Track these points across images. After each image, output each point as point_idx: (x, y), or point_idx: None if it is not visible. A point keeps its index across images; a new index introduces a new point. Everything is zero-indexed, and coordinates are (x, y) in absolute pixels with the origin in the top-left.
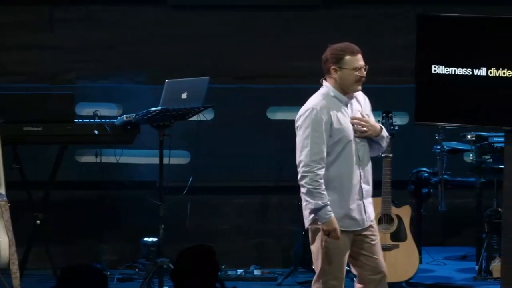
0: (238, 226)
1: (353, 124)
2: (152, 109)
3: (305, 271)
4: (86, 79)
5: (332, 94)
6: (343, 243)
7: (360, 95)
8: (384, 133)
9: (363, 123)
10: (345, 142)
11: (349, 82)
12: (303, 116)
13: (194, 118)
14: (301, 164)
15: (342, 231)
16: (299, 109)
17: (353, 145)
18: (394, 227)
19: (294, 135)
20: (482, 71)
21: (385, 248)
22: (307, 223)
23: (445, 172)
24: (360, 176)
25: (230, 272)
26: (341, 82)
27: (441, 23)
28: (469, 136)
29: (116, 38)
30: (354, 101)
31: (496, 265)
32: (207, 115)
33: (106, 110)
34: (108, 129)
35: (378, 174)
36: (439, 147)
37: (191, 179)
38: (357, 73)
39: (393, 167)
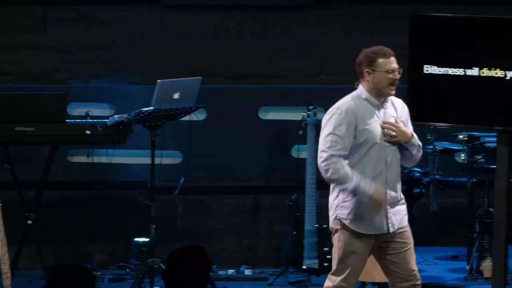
0: (229, 226)
1: (383, 128)
2: (144, 109)
3: (296, 271)
4: (78, 79)
5: (363, 96)
6: (359, 247)
7: (398, 102)
8: (416, 141)
9: (393, 127)
10: (370, 145)
11: (382, 84)
12: (328, 115)
13: (186, 118)
14: (321, 160)
15: (359, 234)
16: (290, 109)
17: (381, 149)
18: None
19: (285, 135)
20: (474, 71)
21: None
22: (330, 223)
23: (436, 172)
24: (386, 181)
25: (221, 272)
26: (374, 84)
27: (433, 23)
28: (461, 136)
29: (108, 38)
30: (389, 106)
31: (487, 265)
32: (199, 115)
33: (99, 110)
34: (100, 129)
35: None
36: (431, 147)
37: (182, 179)
38: (390, 75)
39: None
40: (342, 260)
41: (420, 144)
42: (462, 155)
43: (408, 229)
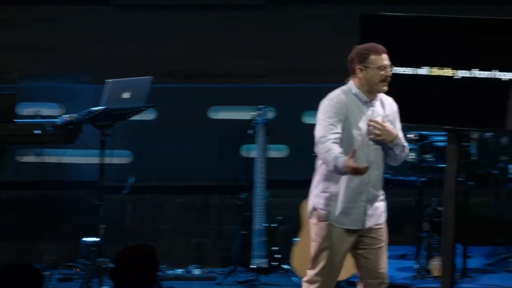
0: (178, 225)
1: (369, 126)
2: (94, 108)
3: (245, 270)
4: (29, 79)
5: (353, 91)
6: (335, 241)
7: (388, 100)
8: (400, 141)
9: (378, 126)
10: (354, 140)
11: (374, 81)
12: (321, 106)
13: (136, 117)
14: (315, 144)
15: (336, 228)
16: (240, 108)
17: (364, 147)
18: None
19: (235, 135)
20: (424, 71)
21: None
22: (308, 213)
23: (386, 171)
24: (369, 179)
25: (169, 272)
26: (366, 81)
27: (383, 22)
28: (410, 135)
29: (59, 38)
30: (378, 104)
31: (435, 264)
32: (149, 115)
33: (49, 110)
34: (49, 128)
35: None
36: None
37: (132, 178)
38: (382, 72)
39: None
40: (316, 254)
41: (406, 144)
42: (412, 154)
43: (384, 227)
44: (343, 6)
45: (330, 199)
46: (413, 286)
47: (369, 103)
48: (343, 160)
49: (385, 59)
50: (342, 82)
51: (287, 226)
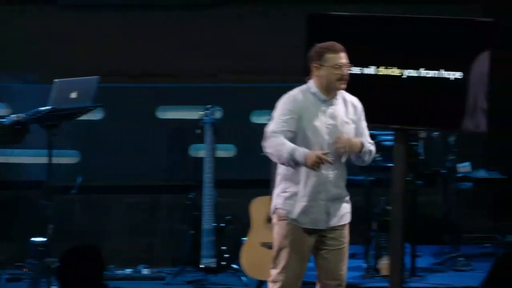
0: (127, 225)
1: (333, 144)
2: (41, 108)
3: (194, 270)
4: None
5: (312, 91)
6: (296, 240)
7: (351, 100)
8: (367, 148)
9: (340, 142)
10: (313, 140)
11: (330, 79)
12: (278, 103)
13: (84, 117)
14: (265, 139)
15: (296, 227)
16: (188, 108)
17: (324, 146)
18: None
19: (183, 134)
20: (371, 70)
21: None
22: (271, 213)
23: None
24: (328, 177)
25: (118, 272)
26: (323, 79)
27: (331, 22)
28: None
29: (5, 38)
30: (339, 103)
31: (384, 263)
32: (96, 115)
33: None
34: None
35: (267, 172)
36: None
37: (80, 178)
38: (337, 71)
39: None
40: (277, 253)
41: (372, 148)
42: None
43: (347, 229)
44: (291, 6)
45: (290, 199)
46: (362, 285)
47: (328, 101)
48: (302, 151)
49: (341, 58)
50: (290, 82)
51: (236, 226)
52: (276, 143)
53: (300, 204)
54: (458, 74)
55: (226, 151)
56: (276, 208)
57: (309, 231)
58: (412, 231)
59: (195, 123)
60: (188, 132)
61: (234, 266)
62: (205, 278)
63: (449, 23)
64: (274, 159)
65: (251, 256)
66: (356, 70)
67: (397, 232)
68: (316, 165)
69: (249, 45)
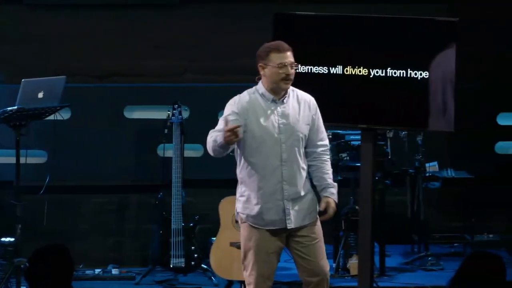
0: (96, 225)
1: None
2: (9, 108)
3: (163, 270)
4: None
5: (260, 91)
6: (259, 241)
7: (305, 98)
8: (335, 189)
9: (330, 216)
10: (262, 140)
11: (274, 79)
12: (227, 104)
13: (51, 117)
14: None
15: (257, 228)
16: (155, 108)
17: (275, 145)
18: None
19: (151, 134)
20: (338, 70)
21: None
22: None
23: None
24: (282, 176)
25: (88, 272)
26: (267, 79)
27: (297, 21)
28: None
29: None
30: (291, 101)
31: (353, 263)
32: (63, 115)
33: None
34: None
35: (235, 172)
36: None
37: (48, 178)
38: (281, 70)
39: None
40: (244, 255)
41: (335, 185)
42: None
43: (316, 224)
44: (259, 5)
45: (246, 202)
46: (332, 285)
47: (278, 101)
48: (220, 135)
49: (285, 57)
50: (256, 82)
51: (204, 226)
52: (209, 137)
53: (255, 207)
54: (424, 74)
55: (194, 151)
56: (237, 212)
57: (272, 232)
58: (380, 231)
59: (163, 123)
60: (156, 131)
61: (204, 266)
62: (174, 278)
63: (415, 23)
64: (213, 154)
65: (220, 256)
66: (323, 70)
67: (366, 232)
68: (229, 138)
69: (216, 45)
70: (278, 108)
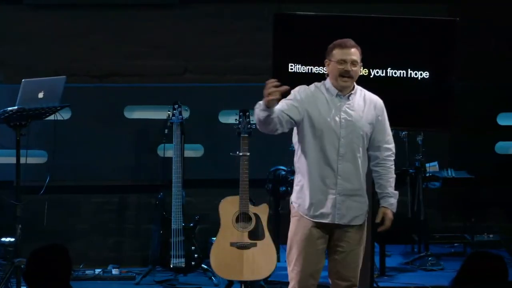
0: (96, 225)
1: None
2: (9, 108)
3: (163, 270)
4: None
5: (326, 86)
6: (306, 235)
7: (371, 100)
8: (395, 199)
9: (386, 227)
10: (322, 132)
11: (334, 75)
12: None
13: (51, 117)
14: None
15: (307, 221)
16: (156, 108)
17: (334, 139)
18: (252, 225)
19: (151, 134)
20: None
21: (243, 247)
22: None
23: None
24: (337, 171)
25: (88, 272)
26: (330, 74)
27: (297, 21)
28: None
29: None
30: (357, 99)
31: None
32: (64, 115)
33: None
34: None
35: (235, 172)
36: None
37: (48, 178)
38: (340, 66)
39: (251, 166)
40: (289, 249)
41: (395, 194)
42: None
43: (362, 229)
44: (259, 5)
45: (300, 192)
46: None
47: (343, 96)
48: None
49: (346, 54)
50: (258, 82)
51: (204, 226)
52: (255, 110)
53: (309, 197)
54: (424, 74)
55: (194, 151)
56: (291, 203)
57: (320, 226)
58: (381, 231)
59: (163, 123)
60: (156, 131)
61: (204, 266)
62: (174, 278)
63: (415, 23)
64: (258, 126)
65: (220, 256)
66: (323, 70)
67: (366, 232)
68: (269, 96)
69: (216, 45)
70: (342, 103)
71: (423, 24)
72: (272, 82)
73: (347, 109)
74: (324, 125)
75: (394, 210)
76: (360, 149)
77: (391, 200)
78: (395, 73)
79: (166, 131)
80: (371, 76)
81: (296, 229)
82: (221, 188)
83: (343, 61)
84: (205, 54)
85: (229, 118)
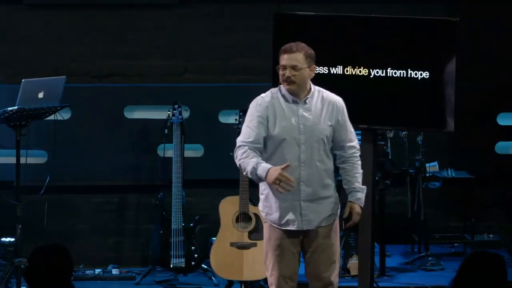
0: (96, 225)
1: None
2: (9, 108)
3: (163, 270)
4: None
5: (282, 92)
6: (278, 242)
7: (331, 98)
8: (362, 194)
9: (354, 221)
10: (281, 140)
11: (280, 80)
12: (249, 107)
13: (51, 117)
14: (235, 150)
15: (277, 229)
16: (155, 108)
17: (294, 146)
18: (252, 225)
19: (151, 134)
20: (338, 70)
21: (243, 247)
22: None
23: None
24: (300, 177)
25: (88, 272)
26: None
27: (297, 21)
28: None
29: None
30: (314, 101)
31: (353, 263)
32: (64, 115)
33: None
34: None
35: (235, 172)
36: None
37: (48, 178)
38: (281, 72)
39: None
40: (265, 255)
41: (363, 188)
42: None
43: (333, 229)
44: (259, 5)
45: (265, 200)
46: None
47: (299, 101)
48: (264, 167)
49: (286, 59)
50: (258, 82)
51: (204, 226)
52: (242, 155)
53: (274, 206)
54: (424, 74)
55: (194, 151)
56: (260, 211)
57: (289, 233)
58: (381, 231)
59: (163, 123)
60: (156, 132)
61: (204, 266)
62: (174, 278)
63: (415, 23)
64: (242, 171)
65: (220, 256)
66: (323, 70)
67: (366, 232)
68: (276, 182)
69: (216, 45)
70: (300, 108)
71: (423, 24)
72: (290, 181)
73: (304, 114)
74: (284, 133)
75: (362, 205)
76: (321, 152)
77: (358, 195)
78: (395, 73)
79: (166, 131)
80: (371, 76)
81: (269, 236)
82: (221, 188)
83: (283, 67)
84: (205, 54)
85: (229, 118)
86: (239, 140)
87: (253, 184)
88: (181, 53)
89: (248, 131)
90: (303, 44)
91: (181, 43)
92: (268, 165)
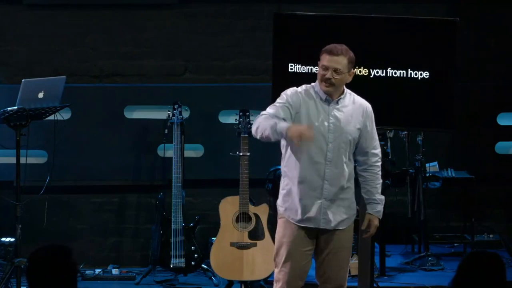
0: (96, 225)
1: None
2: (9, 108)
3: (163, 269)
4: None
5: (316, 89)
6: (293, 238)
7: (360, 103)
8: (381, 206)
9: (371, 230)
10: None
11: (318, 78)
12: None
13: (51, 117)
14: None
15: (293, 225)
16: (155, 108)
17: (322, 143)
18: (252, 225)
19: (151, 134)
20: None
21: (243, 247)
22: None
23: None
24: (324, 175)
25: (88, 272)
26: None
27: (297, 21)
28: None
29: None
30: (346, 103)
31: (353, 263)
32: (64, 115)
33: None
34: None
35: (235, 172)
36: None
37: (48, 178)
38: (322, 72)
39: (251, 166)
40: (276, 251)
41: (382, 199)
42: None
43: (349, 232)
44: (259, 5)
45: (287, 195)
46: None
47: (331, 101)
48: (286, 124)
49: (330, 61)
50: (258, 82)
51: (204, 226)
52: (262, 118)
53: (295, 202)
54: (424, 74)
55: (194, 151)
56: (277, 206)
57: (306, 230)
58: (381, 231)
59: (163, 123)
60: (156, 132)
61: (204, 266)
62: (174, 278)
63: (415, 23)
64: (257, 133)
65: (220, 256)
66: None
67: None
68: (296, 137)
69: (216, 45)
70: (331, 107)
71: (423, 24)
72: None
73: (336, 114)
74: (313, 130)
75: (380, 217)
76: (347, 153)
77: (378, 207)
78: (395, 73)
79: (166, 131)
80: (371, 76)
81: (283, 231)
82: (221, 188)
83: (325, 67)
84: (205, 54)
85: (229, 118)
86: (263, 112)
87: (253, 184)
88: (181, 53)
89: (274, 107)
90: (347, 48)
91: (181, 43)
92: (285, 123)
